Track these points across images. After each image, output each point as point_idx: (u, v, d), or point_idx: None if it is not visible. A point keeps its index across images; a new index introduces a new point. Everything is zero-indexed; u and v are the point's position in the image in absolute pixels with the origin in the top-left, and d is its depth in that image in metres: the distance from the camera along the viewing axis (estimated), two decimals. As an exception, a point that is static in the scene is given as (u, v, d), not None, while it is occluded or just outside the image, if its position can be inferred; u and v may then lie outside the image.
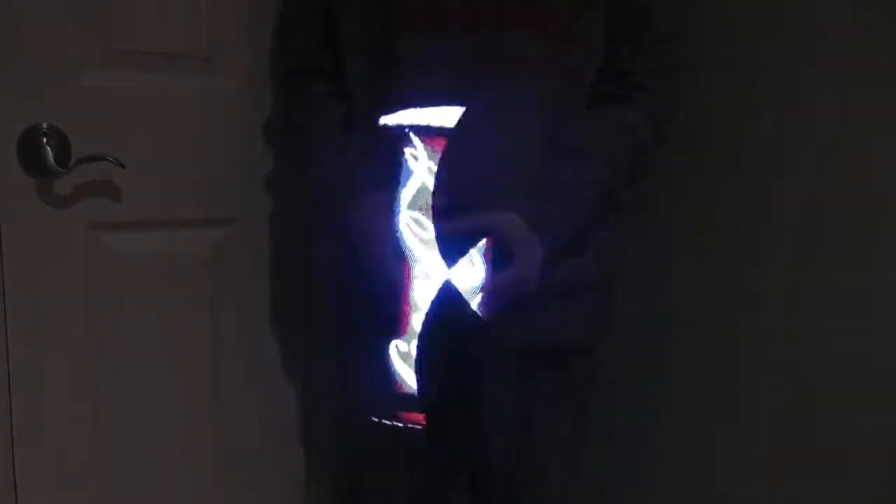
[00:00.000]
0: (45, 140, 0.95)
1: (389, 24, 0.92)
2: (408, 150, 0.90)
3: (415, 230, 0.91)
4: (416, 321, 0.91)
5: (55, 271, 1.00)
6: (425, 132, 0.89)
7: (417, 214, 0.90)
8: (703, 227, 1.19)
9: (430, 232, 0.89)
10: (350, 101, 0.97)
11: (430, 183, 0.88)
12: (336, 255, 0.99)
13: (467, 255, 0.89)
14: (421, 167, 0.90)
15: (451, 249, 0.88)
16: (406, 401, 0.92)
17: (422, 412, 0.92)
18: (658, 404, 1.27)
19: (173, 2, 1.03)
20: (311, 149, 1.01)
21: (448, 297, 0.88)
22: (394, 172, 0.90)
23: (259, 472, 1.19)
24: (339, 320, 1.07)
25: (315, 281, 1.13)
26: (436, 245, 0.88)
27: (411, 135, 0.89)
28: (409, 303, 0.91)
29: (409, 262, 0.90)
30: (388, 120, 0.91)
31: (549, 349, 0.96)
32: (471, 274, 0.89)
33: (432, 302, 0.89)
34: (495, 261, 0.89)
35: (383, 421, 0.94)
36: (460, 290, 0.88)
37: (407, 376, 0.92)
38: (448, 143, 0.88)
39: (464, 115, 0.87)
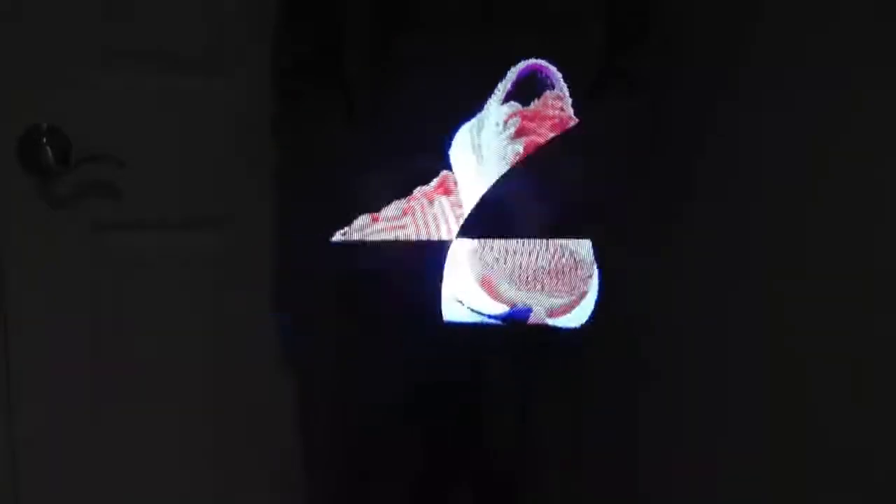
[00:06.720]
0: (45, 140, 0.95)
1: (389, 24, 0.92)
2: None
3: None
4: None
5: (55, 271, 1.00)
6: None
7: None
8: (703, 224, 1.19)
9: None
10: (350, 101, 0.97)
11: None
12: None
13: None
14: None
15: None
16: None
17: None
18: (658, 402, 1.27)
19: (173, 2, 1.03)
20: (312, 148, 1.01)
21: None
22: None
23: (259, 472, 1.19)
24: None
25: (316, 281, 1.13)
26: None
27: None
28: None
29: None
30: None
31: (547, 346, 0.96)
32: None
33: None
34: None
35: None
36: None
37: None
38: None
39: None
